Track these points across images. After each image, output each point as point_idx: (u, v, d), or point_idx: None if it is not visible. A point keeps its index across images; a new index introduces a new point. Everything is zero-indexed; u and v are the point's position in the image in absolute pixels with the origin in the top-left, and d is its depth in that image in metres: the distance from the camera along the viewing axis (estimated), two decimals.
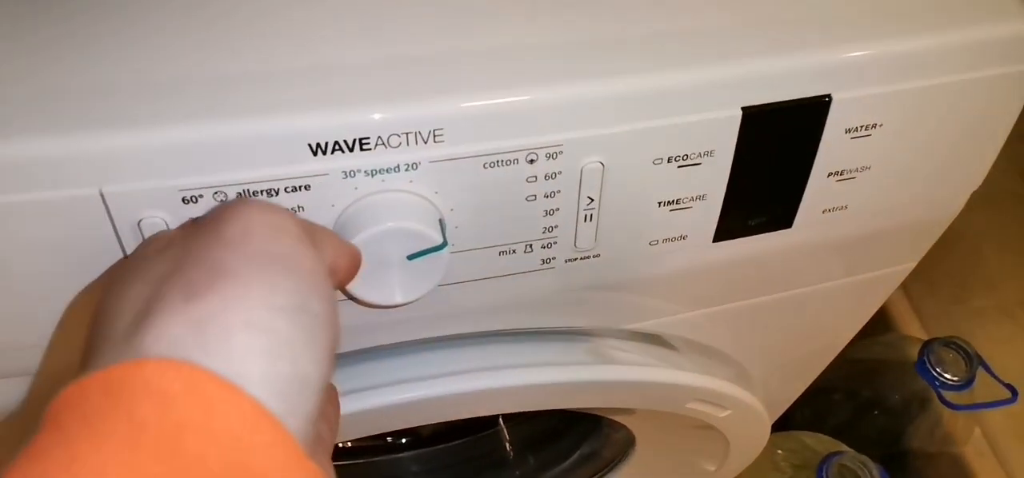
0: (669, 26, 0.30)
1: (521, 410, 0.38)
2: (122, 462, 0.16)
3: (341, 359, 0.36)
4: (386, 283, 0.28)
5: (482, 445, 0.61)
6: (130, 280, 0.21)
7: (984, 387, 0.81)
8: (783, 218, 0.35)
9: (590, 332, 0.40)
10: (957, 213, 0.39)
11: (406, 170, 0.28)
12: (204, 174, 0.26)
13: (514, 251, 0.32)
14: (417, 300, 0.29)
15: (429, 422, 0.37)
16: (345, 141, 0.27)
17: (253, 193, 0.27)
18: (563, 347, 0.38)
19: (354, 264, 0.27)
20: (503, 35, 0.29)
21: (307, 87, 0.27)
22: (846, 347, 1.05)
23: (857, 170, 0.34)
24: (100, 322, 0.21)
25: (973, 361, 0.78)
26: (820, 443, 0.80)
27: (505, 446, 0.60)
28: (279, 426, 0.18)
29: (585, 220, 0.31)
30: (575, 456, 0.58)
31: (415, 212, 0.28)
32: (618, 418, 0.52)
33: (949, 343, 0.80)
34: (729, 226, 0.34)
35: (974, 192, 0.37)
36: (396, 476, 0.60)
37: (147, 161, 0.25)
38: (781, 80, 0.30)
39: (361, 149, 0.27)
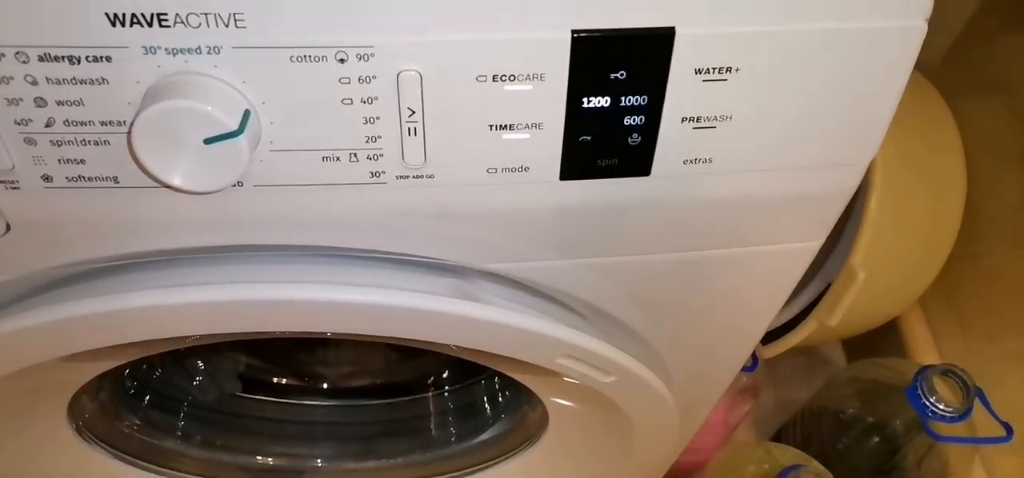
0: None
1: (367, 333, 0.37)
2: None
3: (211, 254, 0.36)
4: (173, 161, 0.28)
5: (404, 409, 0.61)
6: None
7: (988, 422, 0.75)
8: (638, 164, 0.33)
9: (468, 271, 0.39)
10: (854, 186, 0.36)
11: (209, 53, 0.28)
12: (8, 35, 0.27)
13: (338, 158, 0.31)
14: (212, 191, 0.29)
15: (262, 328, 0.37)
16: (143, 14, 0.27)
17: (54, 59, 0.27)
18: (428, 278, 0.38)
19: None
20: None
21: None
22: (846, 367, 0.99)
23: (716, 119, 0.32)
24: None
25: (970, 392, 0.73)
26: (785, 455, 0.76)
27: (429, 413, 0.60)
28: None
29: (410, 133, 0.31)
30: (492, 430, 0.57)
31: (214, 96, 0.28)
32: (532, 387, 0.51)
33: (947, 372, 0.74)
34: (575, 164, 0.32)
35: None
36: (311, 422, 0.61)
37: None
38: (617, 6, 0.28)
39: (160, 25, 0.27)
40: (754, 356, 0.77)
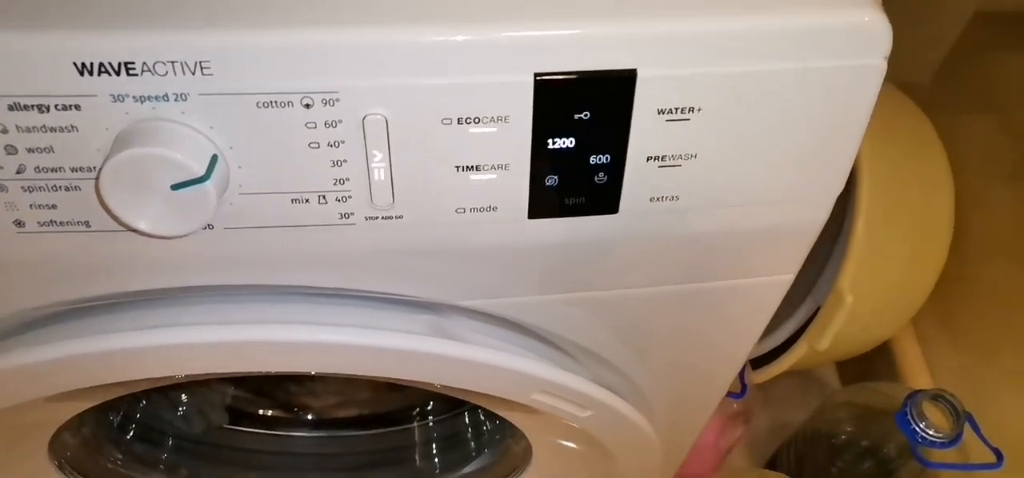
0: None
1: (340, 371, 0.37)
2: None
3: (189, 294, 0.37)
4: (141, 207, 0.29)
5: (389, 439, 0.61)
6: None
7: (980, 447, 0.75)
8: (605, 202, 0.33)
9: (446, 308, 0.39)
10: (823, 220, 0.36)
11: (176, 100, 0.28)
12: None
13: (307, 200, 0.32)
14: (182, 235, 0.30)
15: (246, 370, 0.37)
16: (111, 63, 0.27)
17: (24, 107, 0.28)
18: (401, 315, 0.38)
19: None
20: None
21: (76, 7, 0.27)
22: (838, 390, 0.99)
23: (681, 157, 0.32)
24: None
25: (960, 418, 0.72)
26: None
27: (414, 443, 0.60)
28: None
29: (377, 175, 0.31)
30: (476, 462, 0.57)
31: (181, 143, 0.28)
32: (516, 422, 0.51)
33: (937, 396, 0.74)
34: (542, 203, 0.33)
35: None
36: (298, 453, 0.61)
37: None
38: (577, 49, 0.29)
39: (128, 73, 0.28)
40: (743, 382, 0.77)
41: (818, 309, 0.80)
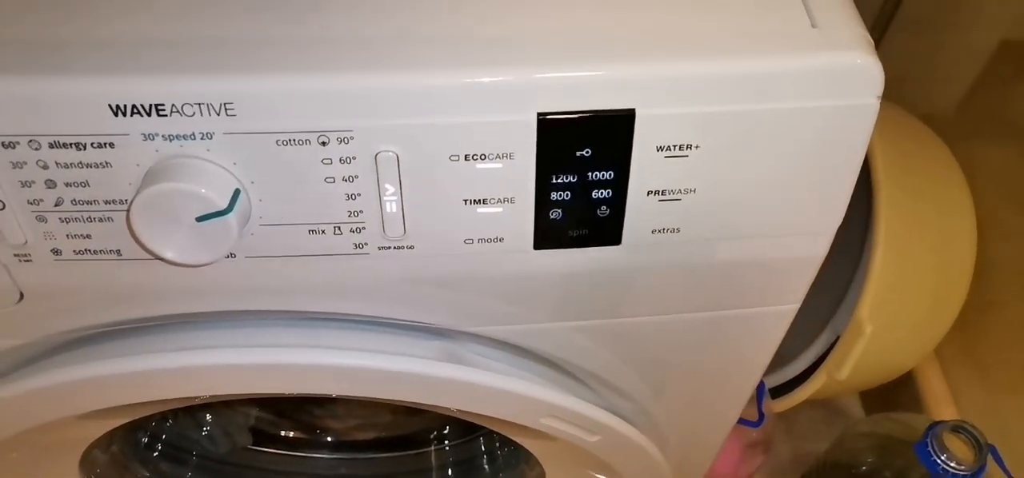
0: (474, 29, 0.31)
1: (359, 394, 0.39)
2: None
3: (213, 319, 0.39)
4: (169, 237, 0.31)
5: (407, 462, 0.62)
6: None
7: None
8: (608, 234, 0.34)
9: (459, 335, 0.41)
10: (823, 253, 0.37)
11: (202, 139, 0.30)
12: (22, 125, 0.30)
13: (323, 231, 0.33)
14: (205, 264, 0.31)
15: (265, 391, 0.39)
16: (143, 105, 0.29)
17: (63, 145, 0.30)
18: (414, 341, 0.39)
19: None
20: (311, 25, 0.31)
21: (111, 54, 0.30)
22: (859, 420, 0.98)
23: (681, 192, 0.33)
24: None
25: (982, 449, 0.72)
26: None
27: (430, 467, 0.61)
28: None
29: (389, 208, 0.33)
30: None
31: (207, 178, 0.30)
32: (528, 446, 0.52)
33: (958, 428, 0.74)
34: (547, 234, 0.34)
35: None
36: (317, 475, 0.63)
37: None
38: (579, 90, 0.30)
39: (158, 114, 0.30)
40: (760, 411, 0.77)
41: (837, 339, 0.79)
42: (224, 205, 0.30)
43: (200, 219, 0.30)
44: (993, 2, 0.90)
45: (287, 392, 0.39)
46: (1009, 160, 0.92)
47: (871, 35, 0.31)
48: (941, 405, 0.94)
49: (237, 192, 0.31)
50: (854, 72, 0.31)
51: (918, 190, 0.77)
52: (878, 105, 0.31)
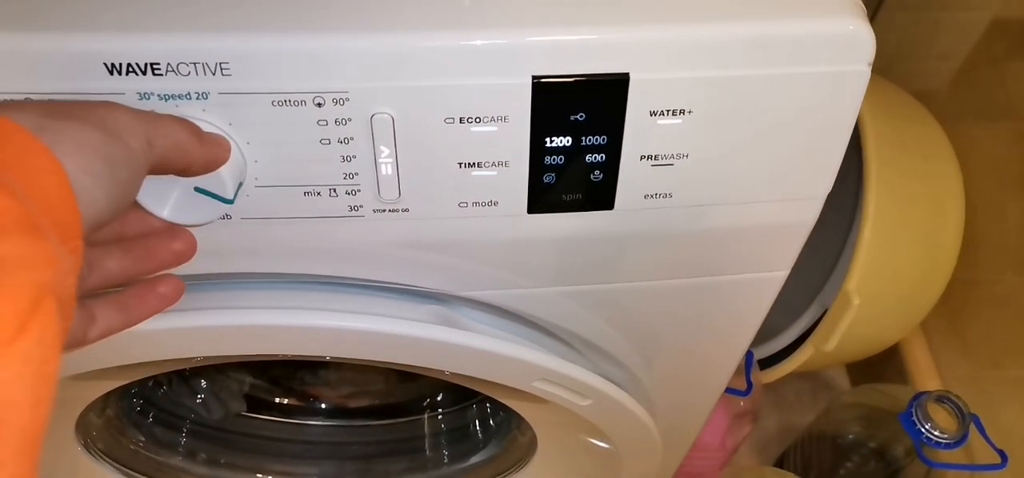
0: None
1: (353, 357, 0.39)
2: None
3: (208, 281, 0.39)
4: (164, 198, 0.31)
5: (400, 430, 0.63)
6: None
7: (987, 448, 0.75)
8: (601, 199, 0.35)
9: (453, 299, 0.41)
10: (813, 219, 0.37)
11: (198, 99, 0.30)
12: (18, 83, 0.30)
13: (319, 193, 0.33)
14: (200, 224, 0.32)
15: (253, 353, 0.39)
16: (138, 64, 0.29)
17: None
18: (409, 304, 0.40)
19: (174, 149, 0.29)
20: None
21: (107, 12, 0.30)
22: (845, 392, 1.00)
23: (673, 156, 0.33)
24: None
25: (965, 419, 0.73)
26: None
27: (423, 435, 0.62)
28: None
29: (384, 171, 0.33)
30: (482, 453, 0.59)
31: None
32: (521, 411, 0.52)
33: (943, 398, 0.75)
34: (541, 198, 0.34)
35: None
36: (313, 442, 0.63)
37: None
38: (574, 53, 0.31)
39: (153, 73, 0.30)
40: (749, 381, 0.78)
41: (825, 312, 0.81)
42: (230, 196, 0.31)
43: (198, 190, 0.31)
44: None
45: (281, 354, 0.39)
46: (999, 139, 0.92)
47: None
48: (926, 377, 0.95)
49: (240, 185, 0.31)
50: (846, 38, 0.31)
51: (908, 166, 0.77)
52: (869, 72, 0.32)
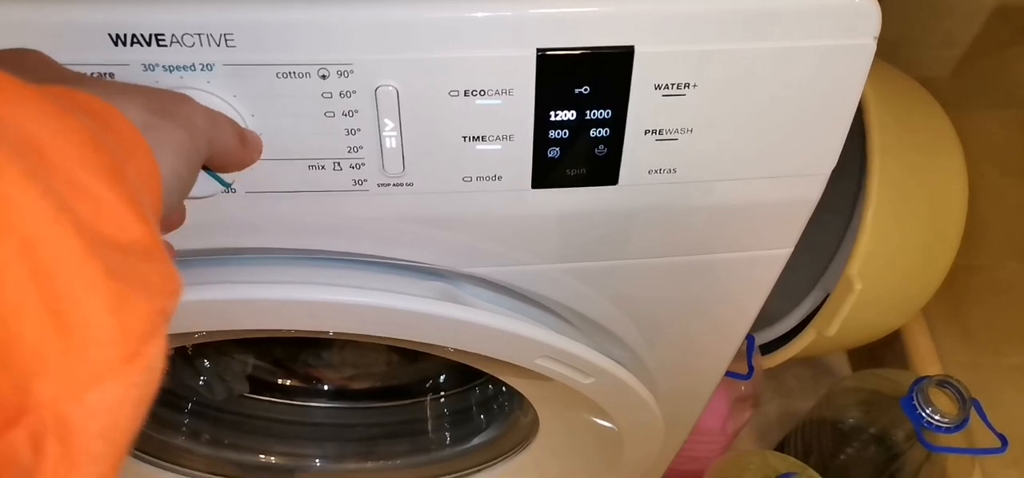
0: None
1: (357, 332, 0.39)
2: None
3: (212, 256, 0.39)
4: None
5: (403, 412, 0.63)
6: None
7: (987, 433, 0.75)
8: (605, 174, 0.35)
9: (457, 276, 0.41)
10: (817, 196, 0.37)
11: (202, 70, 0.30)
12: None
13: (323, 166, 0.33)
14: (202, 197, 0.32)
15: (257, 327, 0.39)
16: (142, 35, 0.29)
17: None
18: (413, 281, 0.40)
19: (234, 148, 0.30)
20: None
21: None
22: (846, 377, 1.00)
23: (677, 131, 0.33)
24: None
25: (966, 403, 0.73)
26: (782, 462, 0.77)
27: (425, 417, 0.62)
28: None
29: (389, 144, 0.33)
30: (484, 435, 0.59)
31: None
32: (523, 391, 0.53)
33: (943, 382, 0.75)
34: (545, 173, 0.34)
35: None
36: (316, 423, 0.63)
37: None
38: (579, 26, 0.30)
39: (158, 44, 0.30)
40: (750, 365, 0.78)
41: (827, 297, 0.81)
42: (229, 181, 0.31)
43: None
44: None
45: (285, 329, 0.39)
46: (1003, 125, 0.92)
47: None
48: (926, 363, 0.95)
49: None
50: (852, 11, 0.31)
51: (911, 151, 0.77)
52: (875, 46, 0.32)
